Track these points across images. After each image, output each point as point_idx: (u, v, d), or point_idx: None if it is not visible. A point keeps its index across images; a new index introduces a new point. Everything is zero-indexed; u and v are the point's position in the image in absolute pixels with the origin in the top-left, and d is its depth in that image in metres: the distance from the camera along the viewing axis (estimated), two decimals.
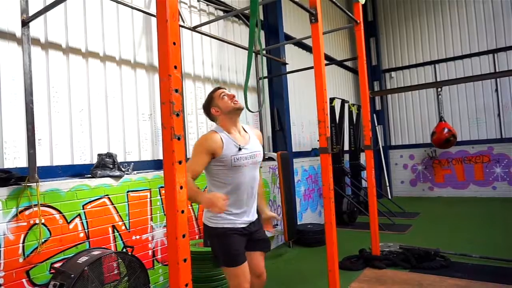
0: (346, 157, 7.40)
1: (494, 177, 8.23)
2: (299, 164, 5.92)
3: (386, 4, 9.77)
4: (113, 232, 2.97)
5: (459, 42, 8.71)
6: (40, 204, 2.46)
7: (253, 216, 2.27)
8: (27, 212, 2.41)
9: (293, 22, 6.49)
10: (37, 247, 2.43)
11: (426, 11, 9.18)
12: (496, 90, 8.23)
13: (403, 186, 9.42)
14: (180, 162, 1.41)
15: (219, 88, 2.33)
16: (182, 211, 1.42)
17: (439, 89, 7.86)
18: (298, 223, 5.53)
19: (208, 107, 2.31)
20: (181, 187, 1.41)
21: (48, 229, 2.52)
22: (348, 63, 9.04)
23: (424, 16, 9.20)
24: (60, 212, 2.61)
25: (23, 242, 2.38)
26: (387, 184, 9.27)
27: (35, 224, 2.44)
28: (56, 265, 2.53)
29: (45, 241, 2.50)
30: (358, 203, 6.67)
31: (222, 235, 2.14)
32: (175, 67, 1.43)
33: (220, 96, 2.25)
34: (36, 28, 2.85)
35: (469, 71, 8.49)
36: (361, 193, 6.94)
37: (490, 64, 8.30)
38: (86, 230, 2.77)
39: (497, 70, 8.09)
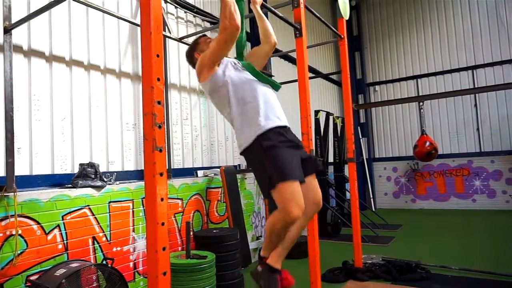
0: (331, 169, 7.47)
1: (474, 190, 8.42)
2: None
3: (371, 19, 10.03)
4: (93, 243, 2.91)
5: (440, 58, 8.98)
6: (18, 215, 2.40)
7: (286, 120, 2.20)
8: (3, 223, 2.34)
9: (279, 35, 6.56)
10: (12, 259, 2.36)
11: (408, 27, 9.45)
12: (475, 105, 8.48)
13: (387, 198, 9.53)
14: (161, 174, 1.41)
15: (205, 35, 2.41)
16: (163, 223, 1.41)
17: (421, 103, 8.06)
18: None
19: (192, 51, 2.39)
20: (162, 199, 1.40)
21: (25, 241, 2.46)
22: (334, 76, 9.19)
23: (407, 32, 9.47)
24: (38, 223, 2.55)
25: None
26: (371, 196, 9.36)
27: (12, 235, 2.37)
28: (32, 278, 2.46)
29: (21, 253, 2.43)
30: (342, 215, 6.71)
31: (270, 148, 1.98)
32: (158, 79, 1.44)
33: (206, 41, 2.34)
34: (19, 36, 2.81)
35: (450, 86, 8.75)
36: (345, 205, 7.00)
37: (469, 79, 8.57)
38: (65, 242, 2.71)
39: (476, 86, 8.36)
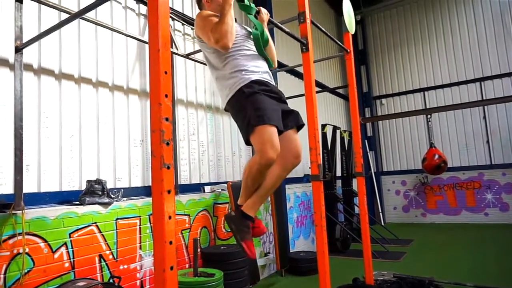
0: (339, 183, 7.39)
1: (486, 204, 8.25)
2: (291, 191, 5.88)
3: (376, 33, 10.07)
4: (100, 261, 2.88)
5: (447, 70, 8.95)
6: (25, 233, 2.39)
7: (271, 77, 2.27)
8: (10, 241, 2.33)
9: (285, 50, 6.62)
10: (19, 278, 2.34)
11: (414, 40, 9.47)
12: (484, 117, 8.39)
13: (396, 212, 9.38)
14: (169, 192, 1.39)
15: None
16: (170, 242, 1.38)
17: (429, 116, 8.00)
18: (291, 251, 5.44)
19: None
20: (170, 217, 1.38)
21: (32, 259, 2.43)
22: (340, 90, 9.19)
23: (412, 45, 9.48)
24: (45, 241, 2.53)
25: (5, 273, 2.28)
26: (380, 210, 9.23)
27: (19, 253, 2.36)
28: None
29: (28, 271, 2.41)
30: (351, 230, 6.61)
31: (252, 95, 2.06)
32: (166, 95, 1.43)
33: None
34: (29, 54, 2.86)
35: (457, 99, 8.68)
36: (354, 219, 6.89)
37: (477, 91, 8.51)
38: (72, 260, 2.68)
39: (484, 98, 8.29)
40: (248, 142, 2.10)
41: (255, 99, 2.06)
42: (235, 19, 2.31)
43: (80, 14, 2.41)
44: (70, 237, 2.69)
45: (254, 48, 2.30)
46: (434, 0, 9.18)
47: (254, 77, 2.15)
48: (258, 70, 2.20)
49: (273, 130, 1.98)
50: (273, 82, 2.29)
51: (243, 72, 2.14)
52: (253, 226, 2.16)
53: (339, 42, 3.91)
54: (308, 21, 2.85)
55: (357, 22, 8.99)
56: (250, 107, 2.05)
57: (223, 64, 2.20)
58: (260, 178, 2.07)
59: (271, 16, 2.63)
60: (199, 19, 2.25)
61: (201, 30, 2.21)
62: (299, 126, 2.29)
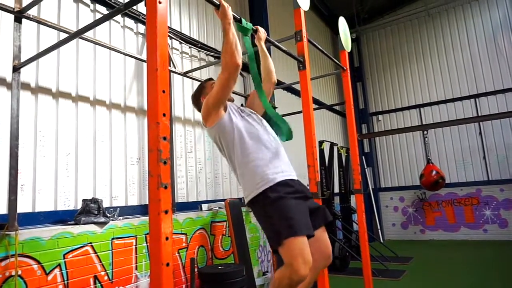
0: (336, 199, 7.34)
1: (485, 220, 8.20)
2: None
3: (371, 51, 10.22)
4: (95, 283, 2.81)
5: (442, 87, 9.05)
6: (18, 254, 2.33)
7: (290, 168, 2.13)
8: (3, 263, 2.27)
9: (282, 68, 6.69)
10: None
11: (409, 58, 9.60)
12: (480, 133, 8.44)
13: (395, 229, 9.30)
14: (166, 212, 1.36)
15: (211, 79, 2.37)
16: (168, 264, 1.35)
17: (425, 132, 8.04)
18: None
19: (198, 95, 2.36)
20: (167, 238, 1.35)
21: (25, 281, 2.37)
22: (337, 107, 9.25)
23: (407, 63, 9.61)
24: (38, 263, 2.47)
25: None
26: (378, 227, 9.14)
27: (11, 276, 2.29)
28: None
29: None
30: (350, 247, 6.52)
31: (278, 200, 1.91)
32: (164, 114, 1.42)
33: (212, 85, 2.27)
34: (27, 73, 2.86)
35: (453, 115, 8.75)
36: (353, 236, 6.82)
37: (472, 108, 8.58)
38: (66, 282, 2.62)
39: (479, 114, 8.36)
40: (276, 252, 1.95)
41: (282, 206, 1.92)
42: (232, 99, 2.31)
43: (78, 34, 2.42)
44: (64, 258, 2.64)
45: (264, 128, 2.21)
46: (428, 20, 9.36)
47: (279, 178, 2.02)
48: (280, 164, 2.09)
49: (304, 242, 1.85)
50: (294, 174, 2.15)
51: (266, 171, 2.02)
52: None
53: (335, 60, 3.95)
54: (305, 39, 2.88)
55: (352, 40, 9.12)
56: (278, 215, 1.91)
57: (241, 156, 2.08)
58: None
59: (268, 34, 2.66)
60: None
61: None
62: (327, 224, 2.18)
